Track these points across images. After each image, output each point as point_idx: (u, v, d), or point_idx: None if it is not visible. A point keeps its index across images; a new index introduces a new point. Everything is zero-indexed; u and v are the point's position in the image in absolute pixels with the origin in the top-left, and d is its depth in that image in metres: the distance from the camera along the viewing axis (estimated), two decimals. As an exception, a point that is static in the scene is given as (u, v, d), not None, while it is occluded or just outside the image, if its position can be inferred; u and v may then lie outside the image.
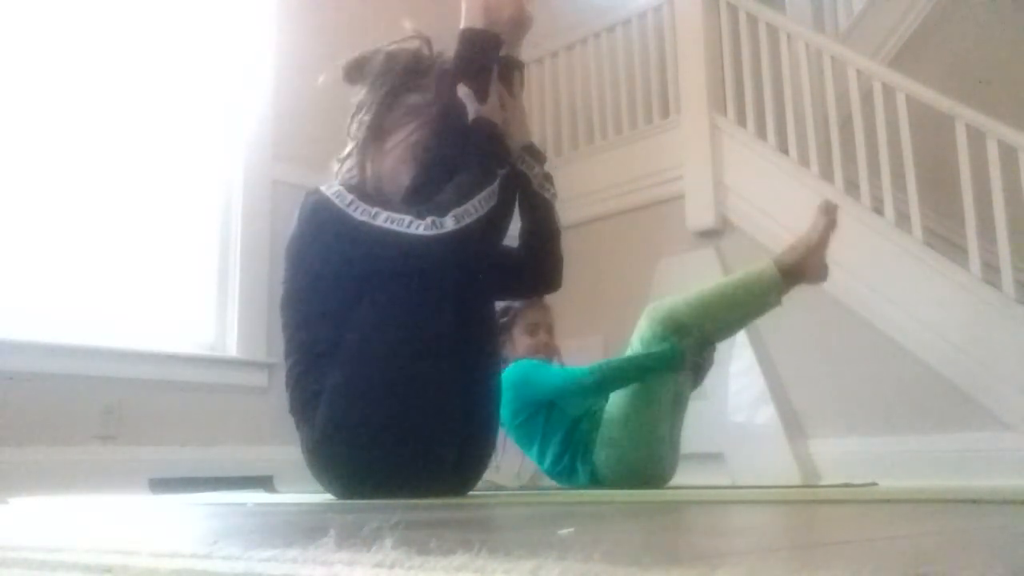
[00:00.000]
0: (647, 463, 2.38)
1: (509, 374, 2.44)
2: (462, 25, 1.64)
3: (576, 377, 2.42)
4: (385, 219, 1.52)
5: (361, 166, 1.70)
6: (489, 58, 1.63)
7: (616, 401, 2.40)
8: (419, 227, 1.50)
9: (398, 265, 1.53)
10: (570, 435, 2.45)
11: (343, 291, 1.59)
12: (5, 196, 2.98)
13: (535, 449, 2.52)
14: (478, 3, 1.62)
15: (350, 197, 1.56)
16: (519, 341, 2.56)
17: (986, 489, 1.77)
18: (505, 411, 2.47)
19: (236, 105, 3.59)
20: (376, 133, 1.70)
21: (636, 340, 2.42)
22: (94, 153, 3.22)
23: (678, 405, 2.48)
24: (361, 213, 1.54)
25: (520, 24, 1.66)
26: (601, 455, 2.39)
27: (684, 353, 2.35)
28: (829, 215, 2.49)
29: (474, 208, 1.52)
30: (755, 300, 2.42)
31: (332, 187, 1.60)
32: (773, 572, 0.38)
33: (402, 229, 1.50)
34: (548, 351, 2.60)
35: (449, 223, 1.50)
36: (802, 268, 2.44)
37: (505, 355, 2.53)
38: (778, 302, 2.48)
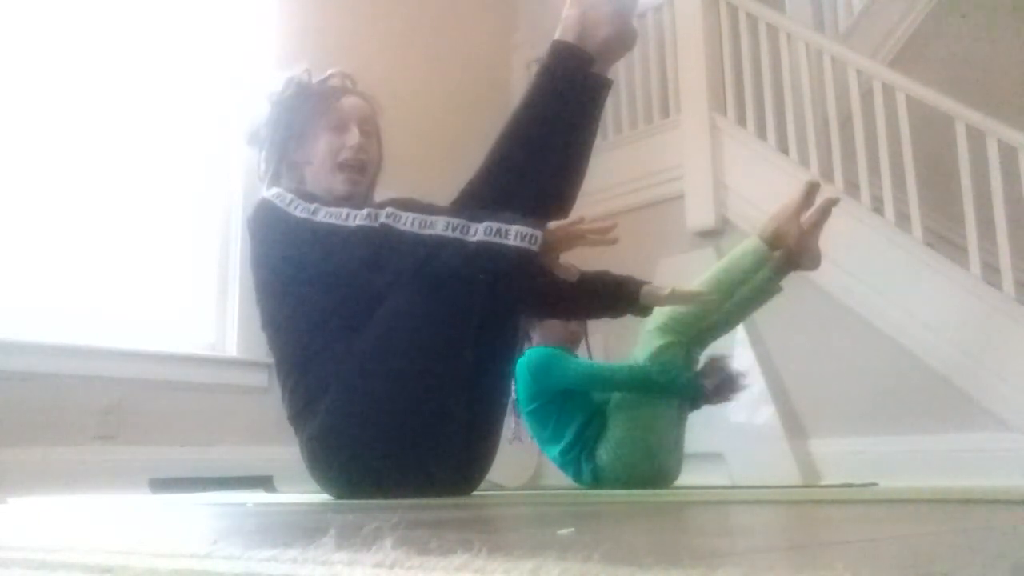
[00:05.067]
0: (651, 469, 2.39)
1: (529, 359, 2.45)
2: (556, 36, 1.58)
3: (600, 375, 2.43)
4: (324, 214, 1.53)
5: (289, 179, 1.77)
6: (572, 74, 1.56)
7: (622, 409, 2.41)
8: (356, 218, 1.50)
9: (340, 258, 1.52)
10: (582, 430, 2.46)
11: (317, 290, 1.59)
12: (6, 196, 2.98)
13: (546, 435, 2.52)
14: (574, 17, 1.56)
15: (290, 197, 1.59)
16: (550, 325, 2.53)
17: (986, 489, 1.77)
18: (521, 395, 2.48)
19: (237, 105, 3.59)
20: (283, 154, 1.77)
21: (642, 355, 2.41)
22: (95, 153, 3.21)
23: (681, 416, 2.49)
24: (301, 211, 1.55)
25: (616, 47, 1.59)
26: (604, 457, 2.40)
27: (700, 385, 2.39)
28: (810, 193, 2.49)
29: (424, 223, 1.45)
30: (746, 275, 2.41)
31: (273, 191, 1.64)
32: (773, 572, 0.38)
33: (339, 222, 1.51)
34: (575, 340, 2.59)
35: (382, 216, 1.47)
36: (782, 237, 2.42)
37: (532, 336, 2.54)
38: (778, 288, 2.48)
